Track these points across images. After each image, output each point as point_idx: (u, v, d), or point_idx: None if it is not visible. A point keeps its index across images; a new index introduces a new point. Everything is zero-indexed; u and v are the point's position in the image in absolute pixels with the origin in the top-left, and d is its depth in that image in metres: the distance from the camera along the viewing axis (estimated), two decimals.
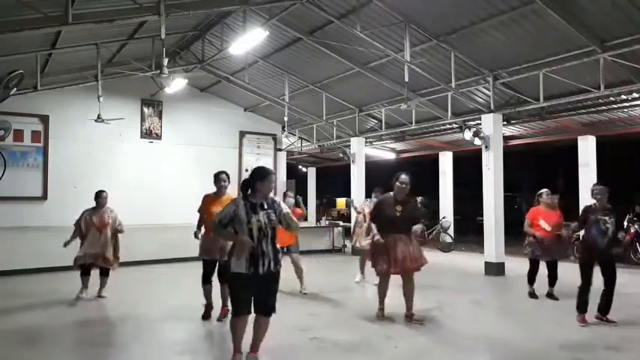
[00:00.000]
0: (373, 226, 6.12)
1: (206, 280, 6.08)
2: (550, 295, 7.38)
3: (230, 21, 9.85)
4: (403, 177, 6.01)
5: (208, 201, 6.06)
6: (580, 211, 6.35)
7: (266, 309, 4.34)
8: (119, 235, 7.40)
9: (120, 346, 5.15)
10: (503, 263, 9.94)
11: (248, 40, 8.67)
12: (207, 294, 6.11)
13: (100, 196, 7.32)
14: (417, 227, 5.96)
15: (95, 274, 7.36)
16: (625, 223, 12.06)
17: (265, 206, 4.33)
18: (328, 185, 24.95)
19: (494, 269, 9.74)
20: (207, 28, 10.39)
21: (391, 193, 6.08)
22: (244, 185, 4.47)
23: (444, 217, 15.42)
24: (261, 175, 4.35)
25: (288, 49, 10.82)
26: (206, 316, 6.07)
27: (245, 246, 4.19)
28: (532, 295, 7.47)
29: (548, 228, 7.17)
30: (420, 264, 5.98)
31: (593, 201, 6.06)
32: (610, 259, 5.96)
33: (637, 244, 11.51)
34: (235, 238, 4.31)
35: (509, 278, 9.61)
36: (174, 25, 9.21)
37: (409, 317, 6.03)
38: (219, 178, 6.07)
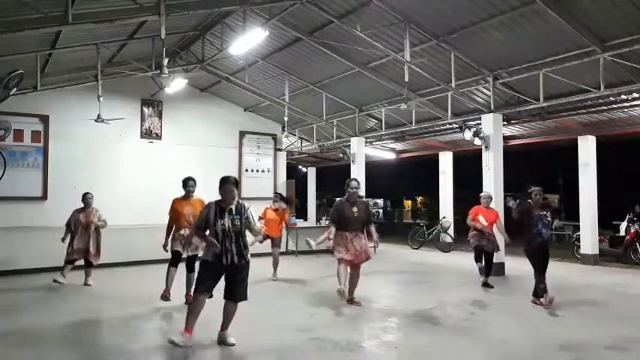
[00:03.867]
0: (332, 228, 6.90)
1: (173, 264, 6.91)
2: (486, 284, 8.39)
3: (230, 21, 9.85)
4: (353, 183, 6.97)
5: (178, 203, 6.92)
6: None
7: (234, 296, 4.96)
8: (101, 230, 8.31)
9: (120, 345, 5.14)
10: (503, 263, 9.96)
11: (248, 40, 8.68)
12: (171, 278, 6.86)
13: (85, 197, 8.32)
14: (373, 231, 6.99)
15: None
16: (625, 223, 12.10)
17: (234, 211, 4.93)
18: (328, 185, 24.91)
19: (494, 269, 9.71)
20: (207, 28, 10.39)
21: (343, 198, 6.98)
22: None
23: (443, 217, 15.41)
24: (220, 183, 4.99)
25: (288, 49, 10.83)
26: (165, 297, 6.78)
27: (211, 247, 4.87)
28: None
29: (485, 223, 8.41)
30: (368, 256, 6.96)
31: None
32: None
33: (637, 244, 11.52)
34: (206, 241, 4.95)
35: (509, 278, 9.63)
36: (174, 25, 9.21)
37: (350, 300, 6.94)
38: (188, 183, 6.95)
